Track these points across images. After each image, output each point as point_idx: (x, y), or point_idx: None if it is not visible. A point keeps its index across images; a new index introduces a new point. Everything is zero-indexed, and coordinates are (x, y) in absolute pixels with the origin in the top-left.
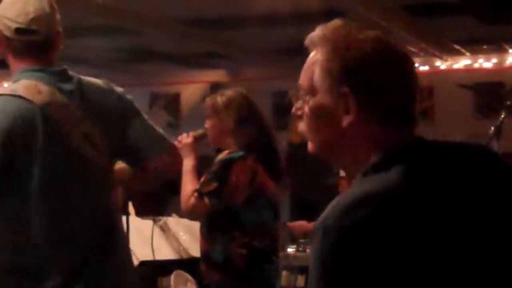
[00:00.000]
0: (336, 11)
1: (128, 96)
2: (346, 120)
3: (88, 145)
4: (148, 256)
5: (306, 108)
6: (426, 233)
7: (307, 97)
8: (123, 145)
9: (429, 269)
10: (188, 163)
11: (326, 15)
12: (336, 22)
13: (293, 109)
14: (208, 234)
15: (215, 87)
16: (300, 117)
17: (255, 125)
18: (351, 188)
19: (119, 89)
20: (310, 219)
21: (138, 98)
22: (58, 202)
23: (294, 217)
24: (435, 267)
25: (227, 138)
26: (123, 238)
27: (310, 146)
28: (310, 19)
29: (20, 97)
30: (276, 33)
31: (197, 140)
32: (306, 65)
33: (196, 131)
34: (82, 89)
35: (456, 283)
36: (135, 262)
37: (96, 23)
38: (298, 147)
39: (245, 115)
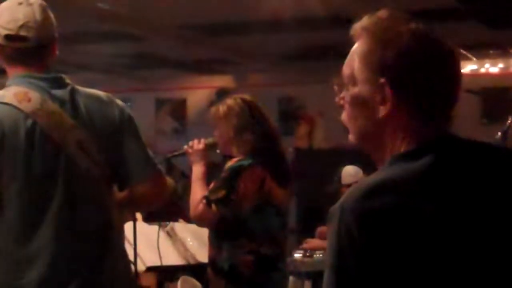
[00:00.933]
0: (342, 17)
1: (130, 112)
2: (382, 111)
3: (82, 153)
4: (155, 262)
5: (347, 97)
6: (442, 228)
7: (348, 86)
8: (116, 161)
9: (438, 264)
10: (198, 170)
11: (332, 21)
12: (381, 13)
13: (336, 99)
14: (215, 241)
15: (221, 93)
16: (342, 107)
17: (255, 132)
18: (376, 173)
19: (121, 103)
20: (315, 224)
21: (144, 103)
22: (39, 210)
23: (300, 223)
24: (445, 263)
25: (231, 146)
26: (120, 250)
27: (350, 136)
28: (316, 25)
29: (6, 104)
30: (282, 39)
31: (208, 148)
32: (350, 54)
33: (208, 139)
34: (76, 98)
35: (467, 278)
36: (142, 268)
37: (102, 29)
38: (304, 153)
39: (244, 122)
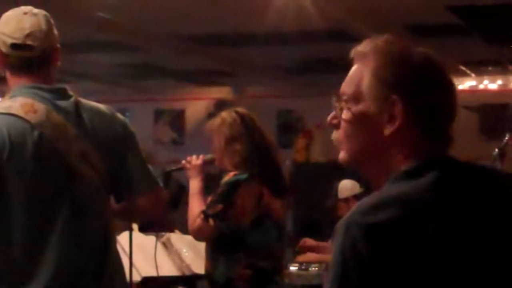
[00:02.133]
0: (341, 32)
1: (131, 128)
2: (388, 129)
3: (85, 164)
4: (151, 272)
5: (345, 116)
6: (447, 243)
7: (349, 105)
8: (117, 174)
9: (444, 278)
10: (195, 185)
11: (331, 35)
12: (388, 37)
13: (329, 118)
14: (212, 254)
15: (220, 104)
16: (334, 126)
17: (245, 143)
18: (381, 190)
19: (123, 118)
20: (313, 238)
21: (142, 114)
22: (44, 221)
23: (297, 236)
24: (450, 277)
25: (224, 158)
26: (118, 261)
27: (343, 154)
28: (316, 39)
29: (13, 115)
30: (282, 51)
31: (206, 164)
32: (352, 73)
33: (206, 155)
34: (79, 110)
35: None
36: (138, 278)
37: (102, 38)
38: (302, 166)
39: (234, 133)
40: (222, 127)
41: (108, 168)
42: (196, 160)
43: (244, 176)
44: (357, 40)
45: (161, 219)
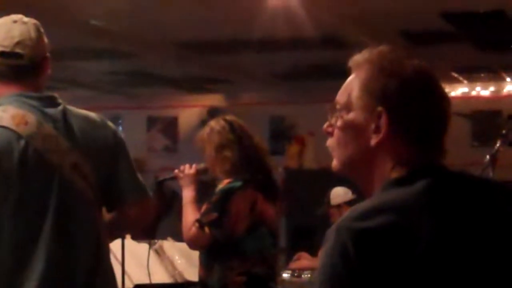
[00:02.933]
0: (334, 38)
1: (121, 135)
2: (374, 139)
3: (77, 176)
4: (143, 280)
5: (338, 124)
6: (436, 253)
7: (342, 113)
8: (107, 183)
9: (435, 285)
10: (188, 194)
11: (324, 42)
12: (383, 48)
13: (325, 125)
14: (206, 262)
15: (213, 112)
16: (329, 134)
17: (234, 150)
18: (372, 197)
19: (113, 126)
20: (306, 244)
21: (135, 121)
22: (32, 233)
23: (290, 242)
24: (440, 283)
25: (215, 166)
26: (109, 272)
27: (334, 162)
28: (308, 46)
29: (4, 127)
30: (275, 58)
31: (199, 173)
32: (346, 83)
33: (199, 165)
34: (68, 118)
35: None
36: (130, 286)
37: (94, 45)
38: (295, 173)
39: (224, 141)
40: (211, 136)
41: (100, 178)
42: (189, 169)
43: (238, 183)
44: (350, 47)
45: (151, 228)
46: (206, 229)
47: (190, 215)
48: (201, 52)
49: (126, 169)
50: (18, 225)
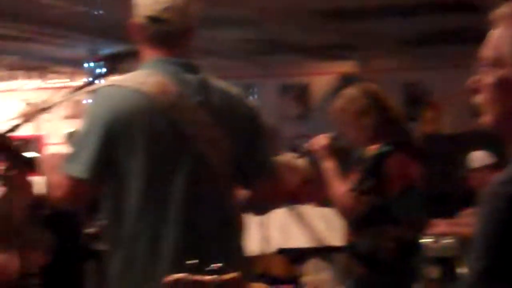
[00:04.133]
0: (470, 2)
1: (259, 111)
2: None
3: (212, 151)
4: (284, 244)
5: (488, 80)
6: None
7: (492, 69)
8: (243, 159)
9: None
10: (329, 165)
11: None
12: None
13: (469, 81)
14: (357, 227)
15: (345, 79)
16: (476, 90)
17: (375, 117)
18: None
19: (253, 102)
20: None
21: (268, 89)
22: (161, 203)
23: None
24: None
25: (353, 133)
26: (239, 250)
27: (488, 118)
28: (442, 10)
29: (144, 93)
30: (407, 23)
31: (332, 142)
32: (494, 37)
33: (329, 134)
34: (208, 90)
35: None
36: (272, 250)
37: (227, 14)
38: (431, 138)
39: (362, 108)
40: (349, 104)
41: (235, 154)
42: (321, 140)
43: (387, 148)
44: (484, 11)
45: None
46: (361, 197)
47: (338, 185)
48: (333, 19)
49: (262, 146)
50: (148, 196)
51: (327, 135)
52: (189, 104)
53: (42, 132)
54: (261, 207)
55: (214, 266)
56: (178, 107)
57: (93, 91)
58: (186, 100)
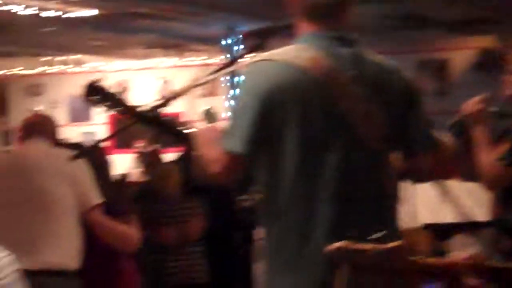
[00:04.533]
0: None
1: (416, 84)
2: None
3: (367, 125)
4: (431, 219)
5: None
6: None
7: None
8: (400, 132)
9: None
10: (481, 133)
11: None
12: None
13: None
14: (504, 199)
15: (484, 54)
16: None
17: None
18: None
19: (408, 76)
20: None
21: (405, 65)
22: (314, 175)
23: None
24: None
25: None
26: (394, 222)
27: None
28: None
29: (296, 66)
30: None
31: (487, 104)
32: None
33: (484, 97)
34: (362, 63)
35: None
36: (418, 225)
37: None
38: None
39: None
40: None
41: (392, 127)
42: (474, 105)
43: None
44: None
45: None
46: (511, 168)
47: (487, 154)
48: None
49: (420, 119)
50: (302, 170)
51: (481, 98)
52: (343, 78)
53: (179, 110)
54: (421, 178)
55: (376, 235)
56: (331, 81)
57: (246, 65)
58: (339, 74)
